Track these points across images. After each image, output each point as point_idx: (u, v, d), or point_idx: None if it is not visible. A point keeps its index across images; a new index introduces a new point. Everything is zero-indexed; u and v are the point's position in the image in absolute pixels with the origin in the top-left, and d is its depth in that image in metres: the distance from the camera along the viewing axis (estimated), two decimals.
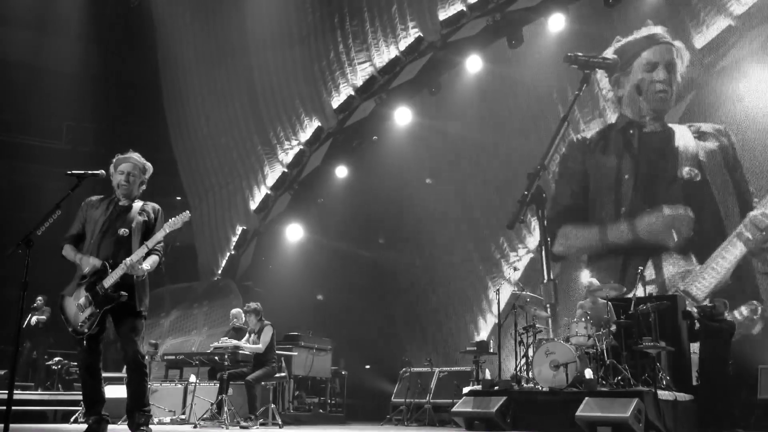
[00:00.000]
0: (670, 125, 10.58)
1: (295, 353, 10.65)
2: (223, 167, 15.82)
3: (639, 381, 7.93)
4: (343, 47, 13.64)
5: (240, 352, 8.92)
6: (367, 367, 12.60)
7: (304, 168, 14.97)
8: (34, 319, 11.78)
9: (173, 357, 10.66)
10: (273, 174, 15.08)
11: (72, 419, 9.08)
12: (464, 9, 12.22)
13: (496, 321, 9.54)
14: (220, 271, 15.90)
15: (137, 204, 5.06)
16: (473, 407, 8.03)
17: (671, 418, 7.44)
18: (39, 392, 11.12)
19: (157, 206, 5.15)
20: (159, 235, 4.89)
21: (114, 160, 5.10)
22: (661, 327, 8.31)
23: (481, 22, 12.41)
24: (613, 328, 8.42)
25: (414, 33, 12.82)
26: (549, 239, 9.00)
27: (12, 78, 16.21)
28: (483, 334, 9.82)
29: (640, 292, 8.64)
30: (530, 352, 8.42)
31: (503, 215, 11.75)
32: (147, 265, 4.87)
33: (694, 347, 9.18)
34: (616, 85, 11.24)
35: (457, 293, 12.44)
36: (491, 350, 9.52)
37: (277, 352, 9.37)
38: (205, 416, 8.68)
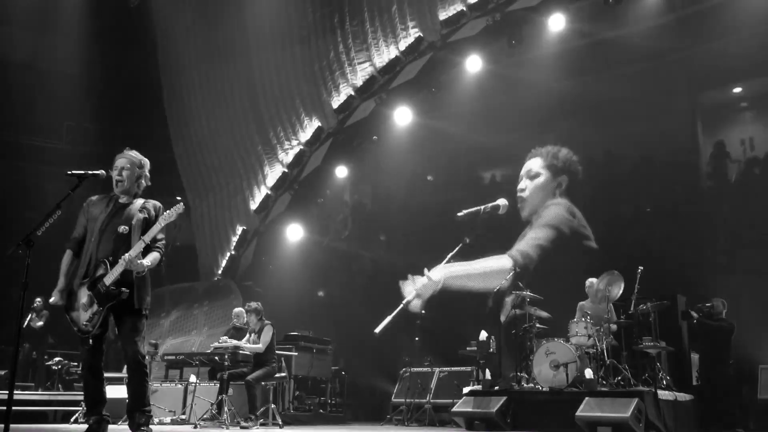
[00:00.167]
0: None
1: (296, 353, 10.66)
2: (223, 167, 15.82)
3: (639, 381, 7.94)
4: (343, 47, 13.64)
5: (240, 352, 8.93)
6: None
7: (304, 168, 14.97)
8: (37, 324, 11.84)
9: (173, 357, 10.67)
10: (273, 174, 15.08)
11: (72, 419, 9.08)
12: (464, 9, 12.21)
13: (497, 321, 9.56)
14: (220, 271, 15.90)
15: (138, 201, 5.05)
16: (473, 407, 8.04)
17: (671, 418, 7.45)
18: (39, 392, 11.12)
19: (158, 204, 5.11)
20: (155, 229, 4.85)
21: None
22: (661, 327, 8.32)
23: (481, 22, 12.40)
24: (614, 327, 8.42)
25: (414, 33, 12.81)
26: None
27: (12, 78, 16.22)
28: (483, 333, 9.81)
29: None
30: (531, 352, 8.43)
31: (504, 215, 11.75)
32: (147, 261, 4.83)
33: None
34: None
35: (457, 293, 12.44)
36: (491, 350, 9.52)
37: (277, 352, 9.38)
38: (205, 416, 8.68)
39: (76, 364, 11.52)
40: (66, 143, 17.17)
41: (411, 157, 13.75)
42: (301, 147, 14.68)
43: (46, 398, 10.51)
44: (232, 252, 15.75)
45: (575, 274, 9.78)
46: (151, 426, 4.89)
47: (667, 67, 10.98)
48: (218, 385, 8.86)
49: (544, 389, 7.89)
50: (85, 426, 4.90)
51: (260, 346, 8.79)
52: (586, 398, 7.26)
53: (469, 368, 10.21)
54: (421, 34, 12.76)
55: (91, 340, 4.79)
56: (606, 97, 11.24)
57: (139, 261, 4.75)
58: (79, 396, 9.42)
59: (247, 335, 9.18)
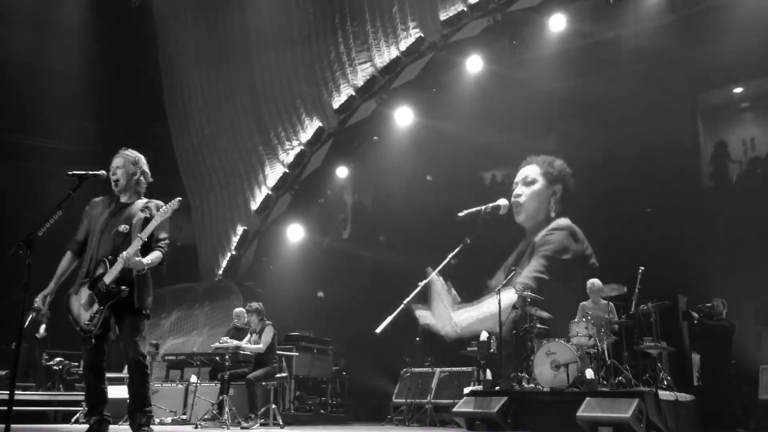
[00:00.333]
0: None
1: (296, 353, 10.66)
2: (224, 167, 15.82)
3: (640, 381, 7.94)
4: (344, 47, 13.64)
5: (241, 352, 8.93)
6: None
7: (305, 168, 14.97)
8: (41, 332, 11.91)
9: (174, 357, 10.68)
10: (274, 174, 15.08)
11: (73, 419, 9.08)
12: (465, 9, 12.20)
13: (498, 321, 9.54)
14: (221, 272, 15.90)
15: (140, 201, 5.04)
16: (474, 407, 8.04)
17: (672, 418, 7.44)
18: (40, 393, 11.12)
19: (161, 203, 5.05)
20: (151, 226, 4.79)
21: None
22: (662, 327, 8.32)
23: (482, 22, 12.40)
24: (615, 328, 8.42)
25: (415, 33, 12.81)
26: None
27: (13, 78, 16.20)
28: (484, 334, 9.81)
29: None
30: (531, 353, 8.43)
31: (504, 216, 11.76)
32: (148, 259, 4.78)
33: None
34: None
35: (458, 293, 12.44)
36: (492, 350, 9.52)
37: (278, 352, 9.38)
38: (206, 417, 8.69)
39: (76, 364, 11.52)
40: (66, 143, 17.16)
41: (412, 157, 13.74)
42: (302, 147, 14.68)
43: (46, 398, 10.51)
44: (233, 252, 15.76)
45: (577, 281, 9.83)
46: (152, 426, 4.89)
47: (668, 67, 10.98)
48: (219, 385, 8.87)
49: (545, 389, 7.88)
50: (86, 426, 4.90)
51: (261, 347, 8.79)
52: (587, 398, 7.25)
53: (469, 368, 10.21)
54: (422, 35, 12.76)
55: (93, 340, 4.78)
56: (607, 97, 11.24)
57: (137, 259, 4.69)
58: (79, 396, 9.43)
59: (248, 335, 9.18)
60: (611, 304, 8.71)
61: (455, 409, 8.37)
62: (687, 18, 10.98)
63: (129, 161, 5.03)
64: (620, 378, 7.86)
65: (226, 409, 8.28)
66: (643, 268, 8.47)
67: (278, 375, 9.13)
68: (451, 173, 13.28)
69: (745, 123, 11.06)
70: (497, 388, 8.37)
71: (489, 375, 8.93)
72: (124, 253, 4.68)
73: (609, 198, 11.25)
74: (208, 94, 15.87)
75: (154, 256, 4.86)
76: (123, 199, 5.04)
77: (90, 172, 4.80)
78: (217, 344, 9.09)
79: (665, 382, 8.09)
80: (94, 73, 16.74)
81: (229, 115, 15.54)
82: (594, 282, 9.02)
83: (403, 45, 12.97)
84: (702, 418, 8.46)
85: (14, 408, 4.38)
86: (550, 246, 11.61)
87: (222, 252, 15.93)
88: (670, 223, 10.49)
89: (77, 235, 5.03)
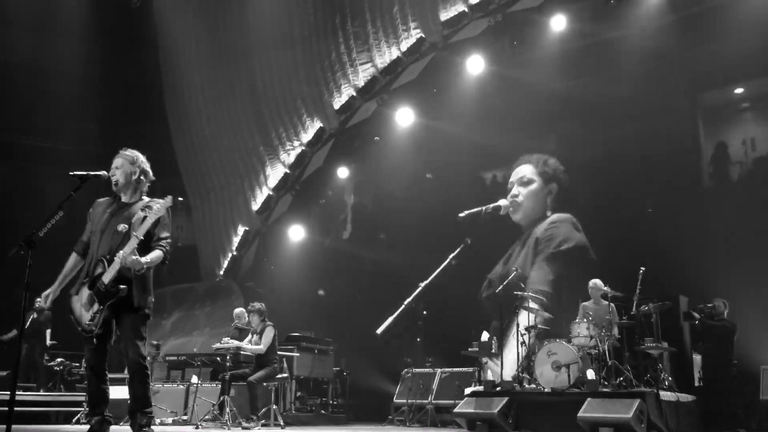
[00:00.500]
0: None
1: (297, 354, 10.66)
2: (225, 168, 15.84)
3: (641, 382, 7.93)
4: (344, 48, 13.64)
5: (242, 352, 8.93)
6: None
7: (305, 169, 14.99)
8: (48, 338, 11.97)
9: (175, 358, 10.69)
10: (275, 175, 15.09)
11: (74, 420, 9.09)
12: (466, 10, 12.21)
13: (499, 322, 9.56)
14: (222, 272, 15.92)
15: (142, 201, 5.03)
16: (475, 408, 8.03)
17: (673, 418, 7.44)
18: (41, 393, 11.13)
19: (161, 201, 5.07)
20: (146, 225, 4.74)
21: None
22: (663, 328, 8.32)
23: (483, 22, 12.41)
24: (615, 330, 8.41)
25: (415, 34, 12.82)
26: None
27: (15, 79, 16.22)
28: (485, 334, 9.81)
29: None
30: (533, 353, 8.42)
31: (505, 216, 11.78)
32: (147, 258, 4.76)
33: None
34: None
35: (458, 293, 12.45)
36: (493, 351, 9.52)
37: (278, 353, 9.38)
38: (206, 417, 8.69)
39: (77, 364, 11.54)
40: (67, 144, 17.18)
41: (412, 157, 13.74)
42: (303, 148, 14.69)
43: (47, 399, 10.52)
44: (234, 253, 15.77)
45: (577, 280, 9.82)
46: (152, 427, 4.89)
47: (669, 67, 10.97)
48: (220, 385, 8.87)
49: (546, 390, 7.88)
50: (87, 426, 4.90)
51: (261, 347, 8.79)
52: (588, 399, 7.25)
53: (470, 369, 10.21)
54: (423, 35, 12.77)
55: (94, 340, 4.78)
56: (607, 98, 11.24)
57: (134, 258, 4.65)
58: (81, 397, 9.44)
59: (249, 336, 9.19)
60: (612, 304, 8.71)
61: (456, 409, 8.36)
62: (687, 18, 10.97)
63: (128, 161, 5.02)
64: (621, 378, 7.86)
65: (227, 409, 8.28)
66: (643, 268, 8.47)
67: (279, 375, 9.13)
68: (452, 173, 13.28)
69: (746, 123, 11.06)
70: (498, 388, 8.36)
71: (490, 375, 8.92)
72: (121, 252, 4.66)
73: (609, 198, 11.24)
74: (209, 94, 15.89)
75: (154, 255, 4.84)
76: (124, 198, 5.04)
77: (91, 173, 4.80)
78: (218, 345, 9.09)
79: (666, 383, 8.08)
80: (95, 73, 16.76)
81: (229, 116, 15.56)
82: (596, 282, 9.01)
83: (404, 45, 12.99)
84: (703, 418, 8.45)
85: (15, 408, 4.38)
86: (557, 240, 11.59)
87: (223, 252, 15.95)
88: (671, 223, 10.48)
89: (82, 236, 5.04)
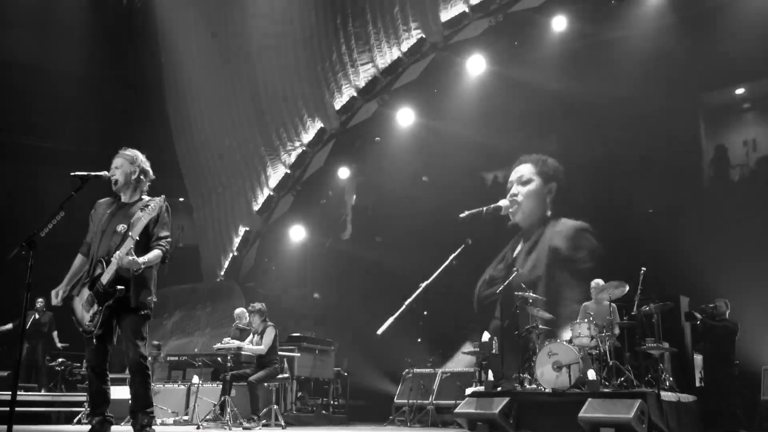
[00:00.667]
0: None
1: (298, 354, 10.66)
2: (226, 168, 15.85)
3: (642, 382, 7.92)
4: (345, 48, 13.65)
5: (242, 353, 8.93)
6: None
7: (306, 169, 15.00)
8: (56, 341, 11.99)
9: (176, 358, 10.69)
10: (276, 175, 15.11)
11: (75, 420, 9.09)
12: (467, 10, 12.23)
13: (499, 322, 9.55)
14: (223, 272, 15.93)
15: (142, 200, 5.03)
16: (476, 408, 8.03)
17: (674, 419, 7.43)
18: (42, 393, 11.14)
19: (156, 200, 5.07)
20: (140, 224, 4.71)
21: None
22: (664, 328, 8.31)
23: (484, 23, 12.42)
24: (617, 330, 8.41)
25: (416, 34, 12.83)
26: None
27: (16, 79, 16.24)
28: (486, 334, 9.82)
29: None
30: (533, 354, 8.42)
31: (506, 216, 11.78)
32: (144, 258, 4.73)
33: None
34: None
35: (459, 293, 12.45)
36: (494, 351, 9.52)
37: (279, 353, 9.38)
38: (208, 417, 8.69)
39: (79, 365, 11.55)
40: (69, 144, 17.19)
41: (413, 158, 13.74)
42: (304, 148, 14.71)
43: (49, 399, 10.52)
44: (235, 253, 15.78)
45: (578, 280, 9.84)
46: (153, 427, 4.89)
47: (669, 67, 10.97)
48: (221, 386, 8.87)
49: (546, 390, 7.88)
50: (89, 427, 4.90)
51: (262, 348, 8.79)
52: (589, 399, 7.24)
53: (471, 369, 10.20)
54: (424, 36, 12.78)
55: (94, 340, 4.79)
56: (608, 98, 11.24)
57: (130, 258, 4.62)
58: (81, 397, 9.44)
59: (250, 336, 9.19)
60: (614, 305, 8.70)
61: (457, 410, 8.36)
62: (689, 19, 10.97)
63: (127, 160, 5.02)
64: (622, 379, 7.85)
65: (228, 409, 8.28)
66: (644, 268, 8.47)
67: (280, 376, 9.13)
68: (453, 174, 13.28)
69: (747, 124, 11.05)
70: (499, 389, 8.36)
71: (491, 376, 8.92)
72: (117, 252, 4.66)
73: (610, 198, 11.24)
74: (210, 94, 15.90)
75: (152, 255, 4.82)
76: (124, 198, 5.04)
77: (93, 173, 4.80)
78: (219, 345, 9.09)
79: (667, 383, 8.07)
80: (95, 73, 16.78)
81: (230, 116, 15.57)
82: (598, 282, 9.01)
83: (405, 46, 13.00)
84: (704, 418, 8.44)
85: (16, 409, 4.39)
86: (581, 254, 11.54)
87: (224, 253, 15.96)
88: (672, 223, 10.48)
89: (86, 237, 5.04)
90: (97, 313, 4.76)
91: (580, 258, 11.39)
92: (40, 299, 11.79)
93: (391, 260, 13.17)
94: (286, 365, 10.04)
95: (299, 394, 10.98)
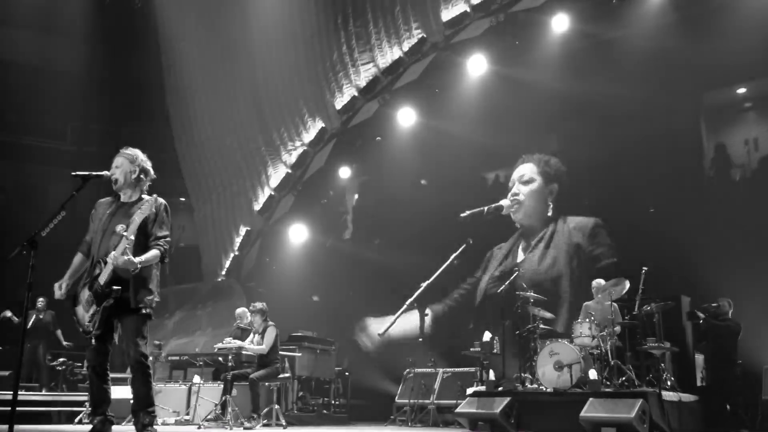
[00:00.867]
0: None
1: (299, 354, 10.67)
2: (227, 168, 15.84)
3: (643, 382, 7.91)
4: (346, 48, 13.65)
5: (244, 352, 8.93)
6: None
7: (307, 169, 14.99)
8: (62, 340, 12.02)
9: (177, 358, 10.71)
10: (277, 175, 15.10)
11: (76, 420, 9.10)
12: (468, 10, 12.21)
13: (501, 321, 9.54)
14: (224, 272, 15.92)
15: (142, 200, 5.02)
16: (477, 408, 8.03)
17: (676, 418, 7.43)
18: (43, 393, 11.14)
19: (161, 201, 5.06)
20: (134, 225, 4.69)
21: None
22: (666, 327, 8.30)
23: (485, 22, 12.41)
24: (617, 329, 8.40)
25: (417, 34, 12.82)
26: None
27: (17, 79, 16.26)
28: (487, 334, 9.81)
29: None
30: (534, 353, 8.42)
31: (504, 217, 11.78)
32: (141, 258, 4.73)
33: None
34: None
35: (459, 293, 12.46)
36: (495, 351, 9.52)
37: (280, 352, 9.38)
38: (209, 417, 8.70)
39: (80, 364, 11.55)
40: (71, 144, 17.21)
41: (414, 157, 13.73)
42: (305, 148, 14.70)
43: (50, 399, 10.52)
44: (236, 253, 15.78)
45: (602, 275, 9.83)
46: (155, 426, 4.89)
47: (671, 67, 10.95)
48: (222, 385, 8.87)
49: (548, 390, 7.87)
50: (90, 426, 4.91)
51: (263, 348, 8.79)
52: (590, 399, 7.24)
53: (472, 369, 10.20)
54: (425, 35, 12.77)
55: (94, 340, 4.79)
56: (610, 97, 11.21)
57: (126, 258, 4.61)
58: (83, 396, 9.44)
59: (251, 336, 9.19)
60: (615, 304, 8.69)
61: (458, 409, 8.36)
62: (690, 18, 10.95)
63: (128, 160, 5.02)
64: (623, 378, 7.85)
65: (229, 409, 8.29)
66: (646, 268, 8.46)
67: (281, 375, 9.14)
68: (454, 174, 13.26)
69: (749, 123, 11.04)
70: (500, 388, 8.36)
71: (492, 375, 8.92)
72: (113, 253, 4.65)
73: (612, 198, 11.23)
74: (211, 94, 15.89)
75: (150, 254, 4.81)
76: (123, 198, 5.04)
77: (94, 173, 4.80)
78: (220, 345, 9.09)
79: (668, 383, 8.07)
80: (97, 74, 16.79)
81: (231, 116, 15.56)
82: (599, 281, 9.01)
83: (406, 45, 12.99)
84: (705, 418, 8.44)
85: (18, 408, 4.39)
86: (599, 252, 11.51)
87: (225, 252, 15.96)
88: (673, 223, 10.46)
89: (86, 236, 5.04)
90: (95, 313, 4.76)
91: (601, 253, 11.36)
92: (41, 299, 11.77)
93: (392, 260, 13.17)
94: (287, 365, 10.05)
95: (300, 393, 10.98)
